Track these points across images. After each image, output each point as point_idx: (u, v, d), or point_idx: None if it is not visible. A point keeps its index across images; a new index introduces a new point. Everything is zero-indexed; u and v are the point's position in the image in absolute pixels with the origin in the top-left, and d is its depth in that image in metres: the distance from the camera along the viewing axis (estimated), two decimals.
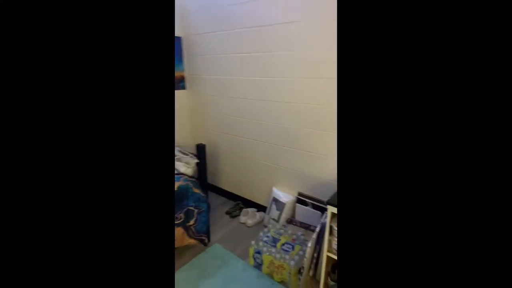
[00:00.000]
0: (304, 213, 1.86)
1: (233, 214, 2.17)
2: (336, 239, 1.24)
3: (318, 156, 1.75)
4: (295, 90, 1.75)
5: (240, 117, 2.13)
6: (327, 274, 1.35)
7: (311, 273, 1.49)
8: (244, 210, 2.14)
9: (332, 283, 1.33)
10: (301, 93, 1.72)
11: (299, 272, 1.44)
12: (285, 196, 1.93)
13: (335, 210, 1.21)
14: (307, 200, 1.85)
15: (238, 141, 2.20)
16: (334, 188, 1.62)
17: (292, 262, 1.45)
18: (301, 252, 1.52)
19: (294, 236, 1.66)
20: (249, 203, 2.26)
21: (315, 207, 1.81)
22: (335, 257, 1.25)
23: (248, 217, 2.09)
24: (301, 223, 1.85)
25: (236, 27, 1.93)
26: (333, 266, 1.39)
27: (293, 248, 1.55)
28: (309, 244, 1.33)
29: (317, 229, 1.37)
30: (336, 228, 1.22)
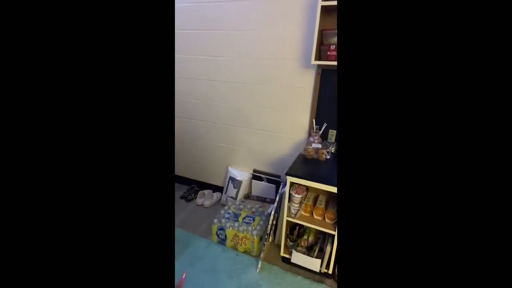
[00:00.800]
0: (260, 187, 2.00)
1: (188, 198, 2.14)
2: (294, 204, 1.41)
3: (270, 134, 1.88)
4: (246, 70, 1.79)
5: (190, 99, 2.05)
6: (286, 236, 1.53)
7: (270, 239, 1.66)
8: (200, 192, 2.14)
9: (290, 243, 1.52)
10: (252, 74, 1.78)
11: (261, 239, 1.59)
12: (241, 174, 2.02)
13: (293, 179, 1.36)
14: (262, 175, 1.99)
15: (190, 124, 2.13)
16: (286, 162, 1.80)
17: (255, 232, 1.57)
18: (261, 222, 1.66)
19: (253, 209, 1.78)
20: (204, 185, 2.26)
21: (269, 181, 1.96)
22: (293, 220, 1.43)
23: (205, 198, 2.10)
24: (257, 197, 1.99)
25: (179, 1, 1.81)
26: (291, 228, 1.58)
27: (253, 219, 1.67)
28: (272, 212, 1.47)
29: (277, 198, 1.52)
30: (295, 195, 1.38)
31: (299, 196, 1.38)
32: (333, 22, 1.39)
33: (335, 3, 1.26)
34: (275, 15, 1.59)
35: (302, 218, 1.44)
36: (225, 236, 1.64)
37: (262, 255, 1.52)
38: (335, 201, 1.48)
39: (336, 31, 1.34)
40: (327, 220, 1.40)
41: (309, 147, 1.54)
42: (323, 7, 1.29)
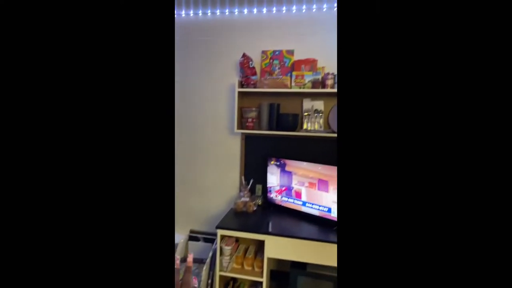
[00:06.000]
0: (197, 248, 2.00)
1: None
2: (225, 257, 1.50)
3: (207, 192, 2.03)
4: (186, 136, 2.04)
5: None
6: None
7: None
8: None
9: None
10: (193, 139, 2.03)
11: None
12: (177, 236, 2.01)
13: (223, 232, 1.49)
14: (198, 235, 2.02)
15: None
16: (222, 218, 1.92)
17: None
18: (195, 285, 1.63)
19: None
20: None
21: (206, 240, 2.00)
22: (225, 274, 1.49)
23: None
24: (194, 259, 1.96)
25: None
26: (226, 284, 1.60)
27: None
28: (204, 267, 1.50)
29: (210, 254, 1.58)
30: (225, 247, 1.49)
31: (229, 247, 1.49)
32: (249, 102, 1.84)
33: (248, 89, 1.71)
34: (210, 96, 1.98)
35: (233, 270, 1.51)
36: None
37: None
38: (262, 250, 1.63)
39: (250, 108, 1.77)
40: (256, 269, 1.51)
41: (238, 200, 1.74)
42: (239, 92, 1.73)
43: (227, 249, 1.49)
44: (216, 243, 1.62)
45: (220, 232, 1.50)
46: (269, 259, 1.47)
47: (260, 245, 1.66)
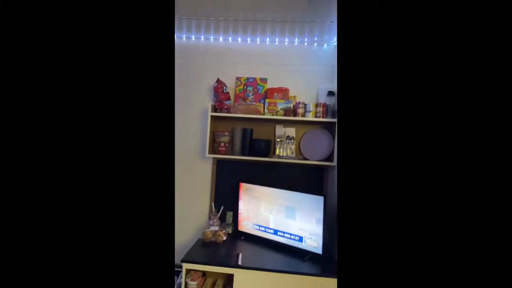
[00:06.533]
0: None
1: None
2: None
3: (176, 220, 1.89)
4: None
5: None
6: None
7: None
8: None
9: None
10: None
11: None
12: None
13: (189, 266, 1.38)
14: None
15: None
16: (188, 249, 1.79)
17: None
18: None
19: None
20: None
21: None
22: None
23: None
24: None
25: None
26: None
27: None
28: None
29: None
30: (190, 283, 1.37)
31: (195, 283, 1.38)
32: (221, 126, 1.83)
33: (221, 114, 1.70)
34: (182, 118, 1.93)
35: None
36: None
37: None
38: (231, 284, 1.53)
39: (223, 132, 1.75)
40: None
41: (207, 230, 1.64)
42: (212, 116, 1.71)
43: (193, 284, 1.37)
44: (181, 277, 1.49)
45: (185, 266, 1.38)
46: None
47: (229, 278, 1.56)
